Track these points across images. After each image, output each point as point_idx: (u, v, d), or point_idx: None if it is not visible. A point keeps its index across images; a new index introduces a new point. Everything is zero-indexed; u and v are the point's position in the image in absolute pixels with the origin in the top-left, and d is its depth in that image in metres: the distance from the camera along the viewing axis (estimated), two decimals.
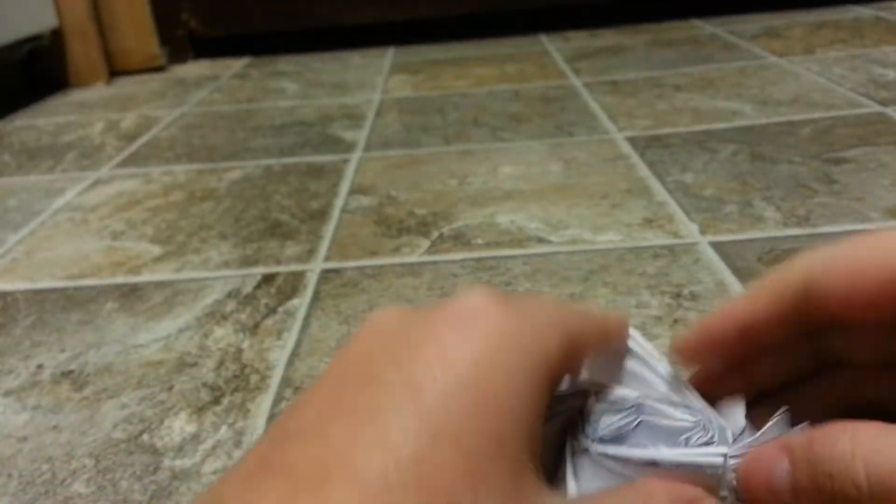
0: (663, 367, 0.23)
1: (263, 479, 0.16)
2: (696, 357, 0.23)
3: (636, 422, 0.21)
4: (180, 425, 0.37)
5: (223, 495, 0.16)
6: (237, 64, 1.31)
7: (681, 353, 0.24)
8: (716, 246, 0.50)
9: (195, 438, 0.36)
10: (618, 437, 0.21)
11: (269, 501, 0.15)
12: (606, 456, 0.21)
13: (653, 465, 0.20)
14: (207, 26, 1.34)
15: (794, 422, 0.23)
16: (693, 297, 0.44)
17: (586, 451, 0.21)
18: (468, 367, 0.17)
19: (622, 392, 0.22)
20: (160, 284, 0.52)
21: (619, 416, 0.21)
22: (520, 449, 0.17)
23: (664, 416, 0.21)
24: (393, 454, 0.16)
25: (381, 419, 0.16)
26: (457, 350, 0.18)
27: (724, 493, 0.20)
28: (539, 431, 0.19)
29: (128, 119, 0.99)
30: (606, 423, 0.21)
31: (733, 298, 0.24)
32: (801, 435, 0.19)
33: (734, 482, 0.20)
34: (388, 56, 1.26)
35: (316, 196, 0.66)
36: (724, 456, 0.20)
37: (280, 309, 0.47)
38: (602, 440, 0.21)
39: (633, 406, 0.22)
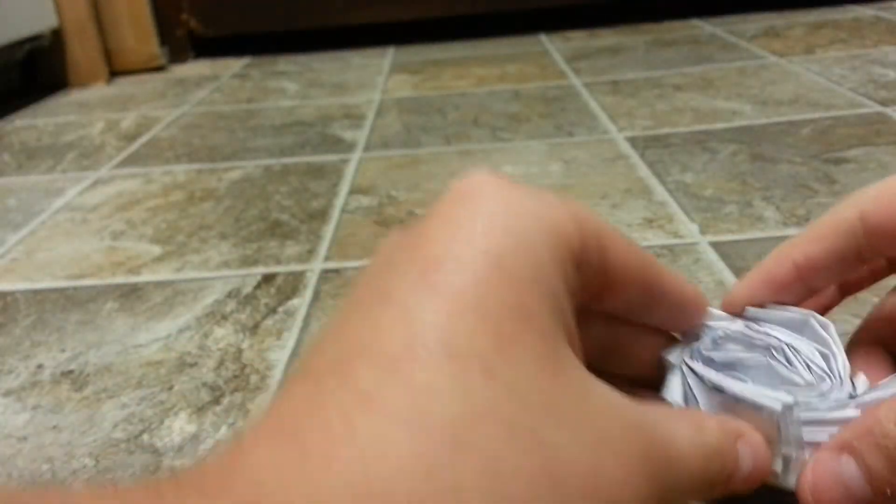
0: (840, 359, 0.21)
1: (289, 386, 0.15)
2: (752, 301, 0.23)
3: (759, 360, 0.20)
4: (180, 425, 0.37)
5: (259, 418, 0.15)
6: (237, 64, 1.31)
7: (732, 307, 0.23)
8: (716, 246, 0.50)
9: (195, 438, 0.36)
10: (728, 364, 0.20)
11: (295, 399, 0.15)
12: (690, 371, 0.20)
13: (719, 392, 0.19)
14: (207, 26, 1.34)
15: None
16: None
17: (679, 365, 0.20)
18: (482, 240, 0.16)
19: (775, 334, 0.21)
20: (160, 284, 0.52)
21: (744, 350, 0.20)
22: (548, 322, 0.16)
23: (790, 366, 0.20)
24: (416, 328, 0.15)
25: (398, 300, 0.15)
26: (468, 224, 0.16)
27: (783, 445, 0.19)
28: (569, 311, 0.17)
29: (128, 119, 0.99)
30: (726, 348, 0.21)
31: (789, 240, 0.23)
32: (850, 428, 0.18)
33: (798, 435, 0.18)
34: (388, 56, 1.26)
35: (316, 196, 0.66)
36: (784, 404, 0.18)
37: (280, 309, 0.47)
38: (706, 360, 0.20)
39: (766, 347, 0.20)
